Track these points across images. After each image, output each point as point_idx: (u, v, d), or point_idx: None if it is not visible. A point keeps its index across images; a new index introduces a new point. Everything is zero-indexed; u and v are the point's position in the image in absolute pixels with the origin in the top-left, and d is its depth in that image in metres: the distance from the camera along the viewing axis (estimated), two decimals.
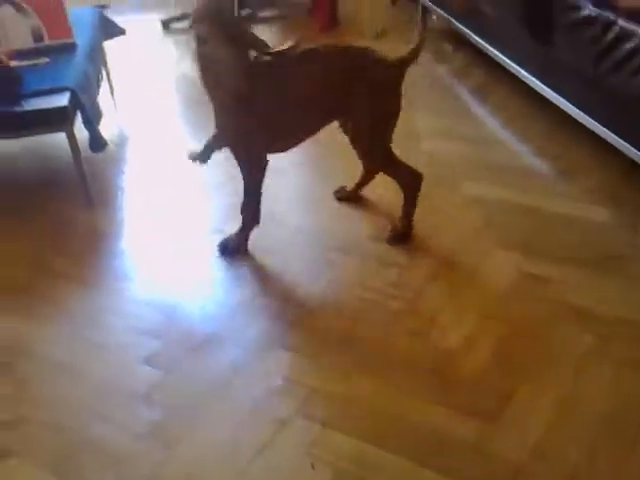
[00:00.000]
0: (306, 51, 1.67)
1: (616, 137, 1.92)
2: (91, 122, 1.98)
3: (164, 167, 2.25)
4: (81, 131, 1.98)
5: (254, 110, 1.64)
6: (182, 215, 2.00)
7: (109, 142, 2.11)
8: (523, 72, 2.38)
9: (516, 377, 1.39)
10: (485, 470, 1.21)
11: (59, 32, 2.27)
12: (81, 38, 2.29)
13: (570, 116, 2.13)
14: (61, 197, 2.10)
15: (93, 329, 1.59)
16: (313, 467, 1.24)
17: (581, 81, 2.05)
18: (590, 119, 2.03)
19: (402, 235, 1.81)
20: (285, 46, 1.63)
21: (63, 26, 2.27)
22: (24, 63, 2.09)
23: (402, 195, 1.81)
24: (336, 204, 1.98)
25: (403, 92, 1.72)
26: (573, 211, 1.89)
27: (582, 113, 2.07)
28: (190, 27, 1.61)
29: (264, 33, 3.50)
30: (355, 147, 1.76)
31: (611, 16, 1.86)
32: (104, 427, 1.34)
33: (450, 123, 2.41)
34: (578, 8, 1.98)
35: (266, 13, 3.71)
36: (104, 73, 2.55)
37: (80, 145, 1.97)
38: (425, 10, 3.24)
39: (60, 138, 2.01)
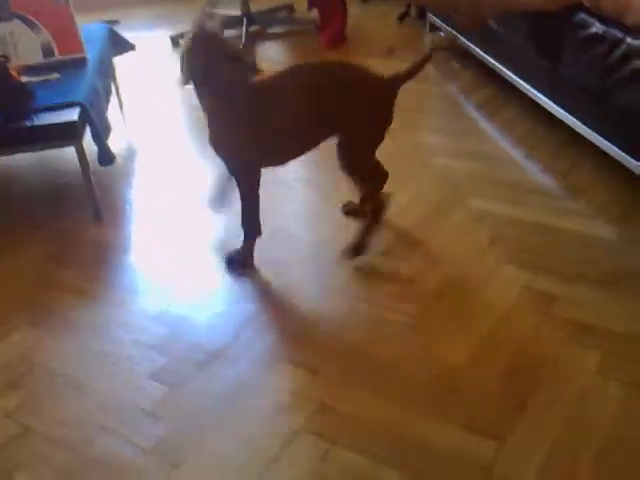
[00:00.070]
0: (295, 68, 1.68)
1: (625, 155, 1.92)
2: (100, 136, 1.99)
3: (172, 181, 2.26)
4: (90, 145, 1.99)
5: (246, 125, 1.65)
6: (189, 229, 2.00)
7: (117, 156, 2.12)
8: (531, 89, 2.38)
9: (523, 395, 1.38)
10: None
11: (70, 47, 2.29)
12: (91, 53, 2.31)
13: (578, 133, 2.12)
14: (70, 210, 2.11)
15: (100, 343, 1.59)
16: None
17: (589, 98, 2.05)
18: (598, 136, 2.03)
19: (358, 250, 1.80)
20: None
21: (74, 41, 2.29)
22: (35, 79, 2.11)
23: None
24: (343, 219, 1.98)
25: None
26: (581, 228, 1.88)
27: (590, 130, 2.06)
28: (182, 57, 1.66)
29: (272, 49, 3.53)
30: (339, 160, 1.72)
31: (619, 33, 1.87)
32: (110, 442, 1.34)
33: (457, 140, 2.42)
34: (586, 25, 1.99)
35: (274, 29, 3.74)
36: (113, 88, 2.57)
37: (88, 159, 1.98)
38: (433, 27, 3.26)
39: (68, 152, 2.02)
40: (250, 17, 3.59)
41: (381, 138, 1.75)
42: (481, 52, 2.74)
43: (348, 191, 2.11)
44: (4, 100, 1.93)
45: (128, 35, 2.74)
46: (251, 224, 1.79)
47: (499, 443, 1.28)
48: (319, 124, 1.70)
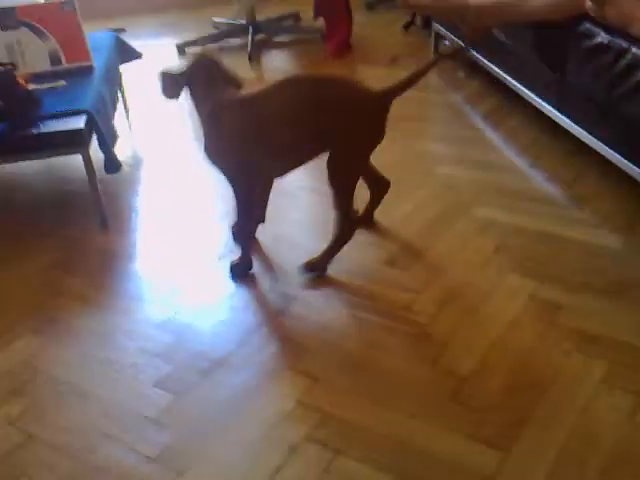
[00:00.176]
0: (283, 82, 1.67)
1: (630, 164, 1.92)
2: (106, 144, 2.00)
3: (177, 189, 2.26)
4: (96, 152, 2.00)
5: (235, 137, 1.69)
6: (195, 237, 2.01)
7: (124, 164, 2.13)
8: (536, 99, 2.38)
9: (528, 405, 1.37)
10: None
11: (77, 55, 2.31)
12: (98, 61, 2.33)
13: (583, 142, 2.12)
14: (76, 218, 2.12)
15: (104, 350, 1.59)
16: None
17: (594, 107, 2.05)
18: (604, 146, 2.02)
19: (318, 267, 1.79)
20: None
21: (81, 49, 2.31)
22: (42, 86, 2.12)
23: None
24: None
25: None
26: (587, 237, 1.88)
27: (596, 140, 2.06)
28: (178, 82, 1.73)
29: (278, 58, 3.54)
30: (329, 176, 1.70)
31: (624, 43, 1.87)
32: (113, 449, 1.34)
33: (463, 149, 2.42)
34: (591, 35, 1.99)
35: (280, 38, 3.76)
36: (120, 96, 2.58)
37: (95, 166, 1.99)
38: (438, 36, 3.27)
39: (75, 159, 2.03)
40: (256, 26, 3.61)
41: (370, 153, 1.72)
42: (486, 61, 2.74)
43: (355, 200, 2.11)
44: (11, 107, 1.94)
45: (134, 43, 2.76)
46: (244, 229, 1.80)
47: (504, 453, 1.27)
48: (308, 139, 1.69)
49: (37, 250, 1.98)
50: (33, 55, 2.27)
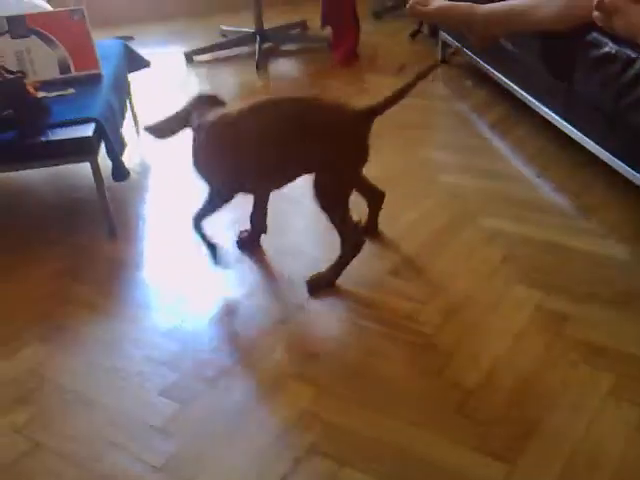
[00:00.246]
0: (260, 103, 1.66)
1: (638, 174, 1.91)
2: (115, 152, 2.01)
3: (185, 197, 2.27)
4: (104, 160, 2.01)
5: (211, 155, 1.73)
6: (201, 245, 2.01)
7: (132, 172, 2.14)
8: (544, 108, 2.38)
9: (534, 417, 1.37)
10: None
11: (85, 63, 2.32)
12: (106, 69, 2.34)
13: (591, 153, 2.12)
14: (84, 226, 2.13)
15: (111, 359, 1.59)
16: None
17: (602, 117, 2.05)
18: (611, 156, 2.02)
19: (326, 283, 1.77)
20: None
21: (90, 57, 2.32)
22: (51, 94, 2.13)
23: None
24: None
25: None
26: (594, 248, 1.87)
27: (603, 150, 2.06)
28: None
29: (285, 66, 3.55)
30: (315, 197, 1.69)
31: (632, 53, 1.87)
32: (119, 458, 1.34)
33: (470, 158, 2.42)
34: (599, 45, 1.99)
35: (287, 47, 3.77)
36: (128, 104, 2.59)
37: (103, 174, 2.00)
38: (445, 45, 3.28)
39: (83, 167, 2.04)
40: (263, 34, 3.62)
41: (356, 176, 1.70)
42: (494, 70, 2.75)
43: (358, 208, 2.11)
44: (21, 115, 1.95)
45: (142, 51, 2.77)
46: (196, 221, 1.82)
47: (510, 466, 1.27)
48: (288, 161, 1.68)
49: (45, 258, 1.98)
50: (42, 63, 2.29)
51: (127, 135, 2.29)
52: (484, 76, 2.88)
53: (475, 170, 2.33)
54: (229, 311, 1.74)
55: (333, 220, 1.72)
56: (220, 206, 1.80)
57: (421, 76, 1.64)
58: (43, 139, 1.94)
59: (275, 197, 1.91)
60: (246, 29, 3.73)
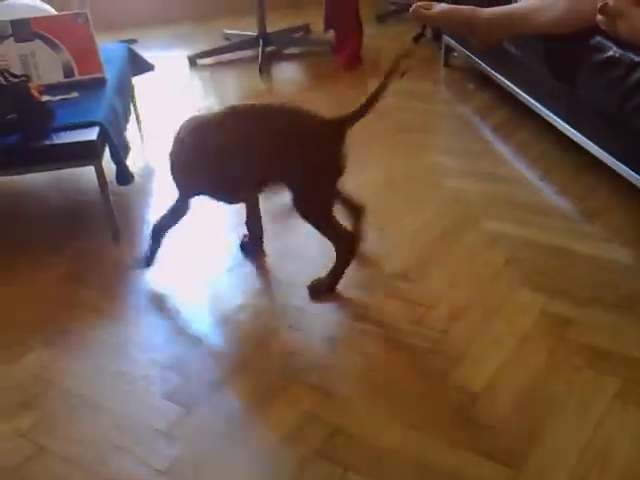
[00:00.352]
0: (230, 111, 1.65)
1: None
2: (119, 156, 2.01)
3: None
4: (108, 164, 2.02)
5: (179, 162, 1.75)
6: (207, 249, 2.02)
7: (136, 175, 2.14)
8: (547, 112, 2.38)
9: (540, 422, 1.37)
10: None
11: (90, 67, 2.33)
12: (110, 73, 2.35)
13: (594, 156, 2.12)
14: (88, 229, 2.13)
15: (116, 362, 1.60)
16: None
17: (605, 121, 2.05)
18: (615, 160, 2.02)
19: (325, 289, 1.76)
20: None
21: (94, 61, 2.32)
22: (55, 98, 2.14)
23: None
24: None
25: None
26: (597, 252, 1.87)
27: (606, 154, 2.06)
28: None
29: (288, 70, 3.56)
30: (296, 210, 1.68)
31: (636, 57, 1.87)
32: (124, 462, 1.34)
33: (472, 162, 2.42)
34: (602, 49, 1.99)
35: (290, 50, 3.78)
36: (132, 108, 2.60)
37: (107, 178, 2.00)
38: (448, 49, 3.28)
39: (87, 171, 2.04)
40: (266, 38, 3.63)
41: (331, 184, 1.66)
42: (496, 74, 2.75)
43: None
44: (25, 119, 1.96)
45: (146, 55, 2.77)
46: (157, 231, 1.83)
47: (516, 471, 1.27)
48: (255, 172, 1.67)
49: (49, 261, 1.99)
50: (46, 67, 2.29)
51: (131, 139, 2.30)
52: (486, 79, 2.88)
53: (478, 173, 2.33)
54: (233, 315, 1.74)
55: (320, 230, 1.71)
56: (175, 215, 1.81)
57: (390, 74, 1.61)
58: (47, 143, 1.94)
59: (278, 200, 1.92)
60: (249, 33, 3.74)
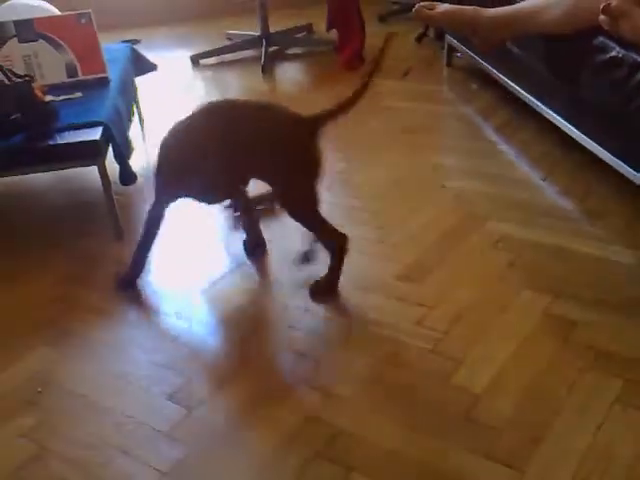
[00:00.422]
0: (204, 109, 1.65)
1: None
2: (122, 156, 2.01)
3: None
4: (111, 164, 2.02)
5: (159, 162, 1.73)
6: (210, 250, 2.02)
7: (139, 175, 2.14)
8: (549, 112, 2.38)
9: (543, 423, 1.36)
10: None
11: (93, 67, 2.33)
12: (113, 73, 2.35)
13: (597, 156, 2.12)
14: (91, 230, 2.14)
15: (119, 363, 1.60)
16: None
17: (608, 121, 2.05)
18: (618, 160, 2.02)
19: (325, 290, 1.76)
20: None
21: (97, 61, 2.33)
22: (59, 98, 2.14)
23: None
24: (361, 241, 1.98)
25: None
26: (601, 253, 1.87)
27: (609, 154, 2.06)
28: None
29: (291, 70, 3.56)
30: (283, 210, 1.68)
31: (639, 58, 1.87)
32: (126, 463, 1.34)
33: (475, 162, 2.42)
34: (605, 49, 1.99)
35: (293, 50, 3.78)
36: (135, 107, 2.60)
37: (110, 178, 2.01)
38: (451, 48, 3.28)
39: (90, 171, 2.04)
40: (269, 38, 3.63)
41: (311, 183, 1.62)
42: (499, 74, 2.74)
43: (364, 212, 2.12)
44: (28, 119, 1.96)
45: (148, 55, 2.78)
46: (137, 255, 1.80)
47: (519, 473, 1.26)
48: (233, 170, 1.67)
49: (52, 261, 1.99)
50: (50, 67, 2.30)
51: (134, 139, 2.30)
52: (489, 79, 2.88)
53: (481, 174, 2.33)
54: (234, 315, 1.74)
55: (309, 228, 1.71)
56: (153, 224, 1.78)
57: (371, 73, 1.62)
58: (50, 143, 1.95)
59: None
60: (252, 33, 3.74)
